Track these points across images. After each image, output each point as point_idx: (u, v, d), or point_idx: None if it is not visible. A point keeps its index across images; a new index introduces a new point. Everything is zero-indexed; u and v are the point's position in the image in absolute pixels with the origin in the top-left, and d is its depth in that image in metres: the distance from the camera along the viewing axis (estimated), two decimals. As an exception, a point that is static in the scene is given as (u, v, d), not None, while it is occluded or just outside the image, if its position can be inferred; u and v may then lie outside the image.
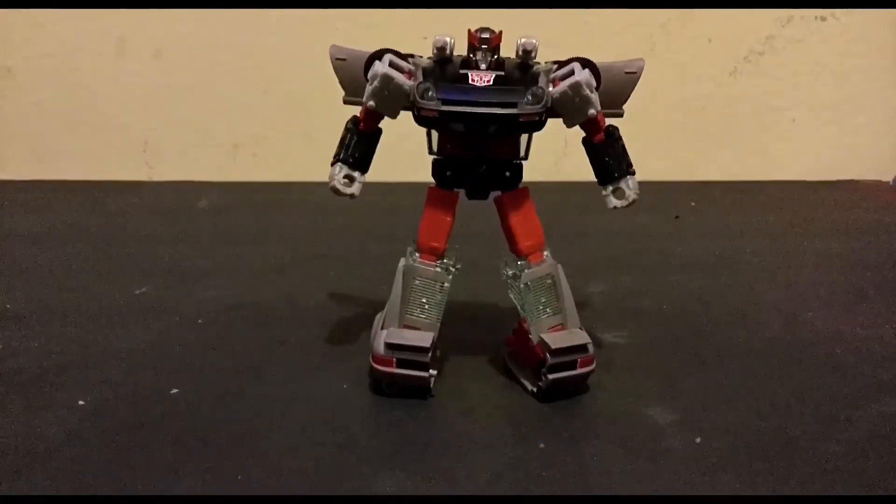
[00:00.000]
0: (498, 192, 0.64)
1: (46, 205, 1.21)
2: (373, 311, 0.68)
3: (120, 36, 1.32)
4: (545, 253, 0.65)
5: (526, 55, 0.60)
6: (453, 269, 0.63)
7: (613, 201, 0.64)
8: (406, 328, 0.62)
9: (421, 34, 1.32)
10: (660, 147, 1.40)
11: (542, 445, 0.57)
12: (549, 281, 0.63)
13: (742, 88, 1.37)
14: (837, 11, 1.33)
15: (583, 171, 1.37)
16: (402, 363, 0.61)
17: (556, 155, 1.38)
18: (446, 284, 0.63)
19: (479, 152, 0.63)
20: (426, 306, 0.63)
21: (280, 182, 1.35)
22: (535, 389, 0.63)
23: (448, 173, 0.63)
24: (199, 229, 1.10)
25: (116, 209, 1.20)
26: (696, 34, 1.35)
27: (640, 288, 0.88)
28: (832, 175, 1.40)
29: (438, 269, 0.63)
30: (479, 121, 0.58)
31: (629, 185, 0.63)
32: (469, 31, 0.62)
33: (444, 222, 0.63)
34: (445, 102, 0.58)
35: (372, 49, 0.63)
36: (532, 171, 1.39)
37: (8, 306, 0.81)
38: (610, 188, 0.64)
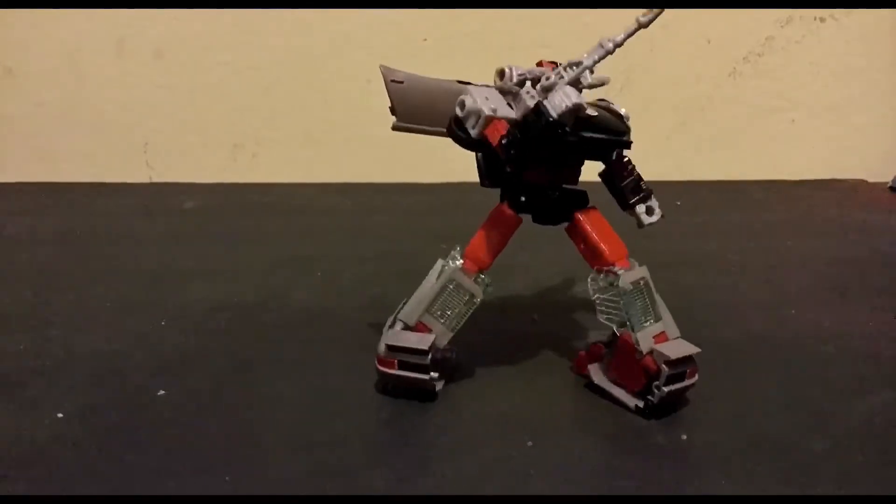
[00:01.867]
0: (564, 223, 0.65)
1: (42, 207, 1.21)
2: (360, 311, 0.68)
3: (120, 36, 1.32)
4: (631, 259, 0.64)
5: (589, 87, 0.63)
6: (488, 289, 0.64)
7: (647, 218, 0.65)
8: (417, 327, 0.63)
9: (421, 35, 1.33)
10: (659, 148, 1.40)
11: (529, 443, 0.57)
12: (643, 284, 0.62)
13: (741, 89, 1.37)
14: (837, 12, 1.33)
15: (581, 171, 1.36)
16: (402, 365, 0.62)
17: (555, 155, 1.38)
18: (477, 299, 0.63)
19: (556, 180, 0.64)
20: (448, 312, 0.63)
21: (279, 183, 1.35)
22: (640, 405, 0.61)
23: (522, 199, 0.64)
24: (194, 230, 1.10)
25: (113, 210, 1.20)
26: (696, 35, 1.34)
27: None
28: (831, 175, 1.40)
29: (476, 283, 0.63)
30: (609, 147, 0.63)
31: (654, 202, 0.65)
32: (543, 62, 0.63)
33: (500, 242, 0.64)
34: (577, 130, 0.59)
35: (421, 72, 0.63)
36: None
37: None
38: (643, 206, 0.65)
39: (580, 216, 0.64)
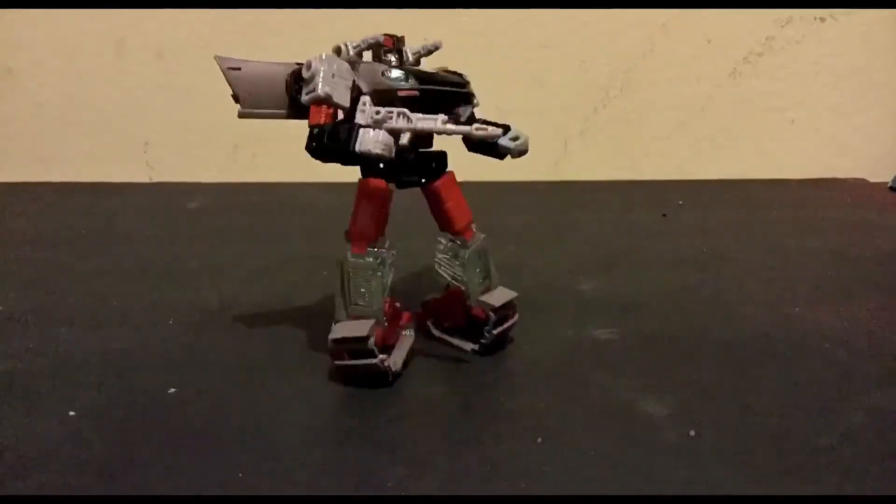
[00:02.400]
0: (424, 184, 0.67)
1: (45, 207, 1.21)
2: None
3: (120, 36, 1.32)
4: (474, 227, 0.69)
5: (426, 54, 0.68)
6: (386, 256, 0.65)
7: (515, 144, 0.63)
8: (352, 319, 0.64)
9: (421, 35, 1.33)
10: (659, 148, 1.40)
11: (539, 440, 0.57)
12: (482, 252, 0.69)
13: (741, 89, 1.38)
14: (837, 12, 1.33)
15: (581, 171, 1.37)
16: (353, 354, 0.63)
17: (555, 155, 1.38)
18: (379, 273, 0.64)
19: (412, 143, 0.64)
20: (366, 295, 0.64)
21: (280, 182, 1.35)
22: (475, 348, 0.70)
23: (381, 166, 0.64)
24: (196, 230, 1.10)
25: (114, 210, 1.20)
26: (696, 35, 1.35)
27: (630, 285, 0.89)
28: (831, 175, 1.40)
29: (370, 259, 0.64)
30: (453, 99, 0.66)
31: (514, 130, 0.64)
32: (387, 35, 0.66)
33: (377, 212, 0.64)
34: (423, 83, 0.63)
35: (262, 58, 0.64)
36: (531, 170, 1.40)
37: (1, 308, 0.81)
38: (506, 139, 0.63)
39: (438, 184, 0.67)
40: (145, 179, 1.39)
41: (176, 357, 0.70)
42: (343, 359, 0.64)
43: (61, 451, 0.55)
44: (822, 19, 1.34)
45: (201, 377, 0.67)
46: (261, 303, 0.82)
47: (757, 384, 0.65)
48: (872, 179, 1.39)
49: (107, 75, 1.34)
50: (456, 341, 0.72)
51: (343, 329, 0.63)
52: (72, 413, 0.60)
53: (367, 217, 0.64)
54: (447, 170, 0.68)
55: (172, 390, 0.64)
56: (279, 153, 1.38)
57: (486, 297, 0.68)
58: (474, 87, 0.67)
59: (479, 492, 0.51)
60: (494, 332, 0.68)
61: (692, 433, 0.57)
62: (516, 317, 0.71)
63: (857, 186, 1.35)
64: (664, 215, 1.16)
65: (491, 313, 0.68)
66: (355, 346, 0.62)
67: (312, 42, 1.31)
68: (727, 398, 0.63)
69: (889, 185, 1.36)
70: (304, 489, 0.52)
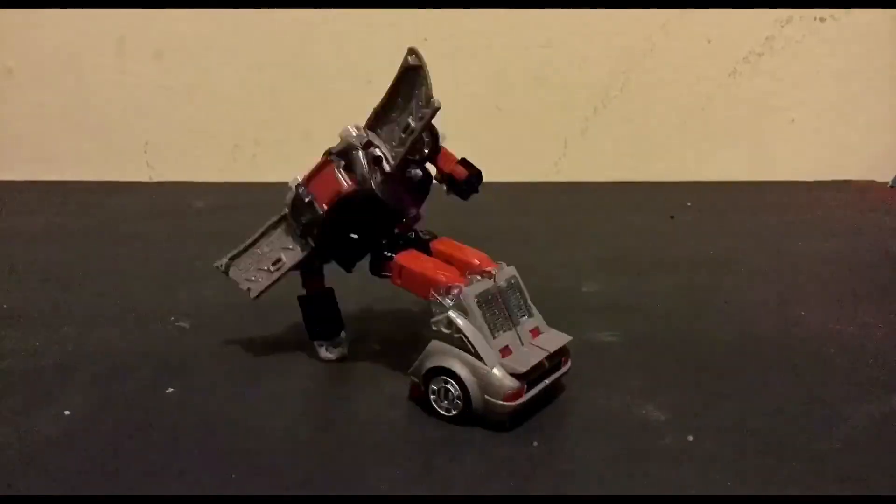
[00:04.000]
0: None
1: (46, 205, 1.21)
2: (367, 311, 0.68)
3: (120, 36, 1.32)
4: (500, 262, 0.65)
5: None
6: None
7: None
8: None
9: (421, 35, 1.33)
10: (659, 148, 1.40)
11: (535, 444, 0.57)
12: (514, 280, 0.64)
13: (741, 89, 1.38)
14: (837, 12, 1.33)
15: (582, 171, 1.36)
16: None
17: (555, 155, 1.38)
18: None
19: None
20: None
21: (279, 182, 1.35)
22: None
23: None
24: (197, 230, 1.10)
25: (115, 209, 1.20)
26: (696, 35, 1.35)
27: (633, 288, 0.88)
28: (831, 175, 1.40)
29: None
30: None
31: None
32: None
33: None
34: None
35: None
36: (532, 171, 1.40)
37: (4, 306, 0.81)
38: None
39: (436, 244, 0.66)
40: (145, 179, 1.39)
41: (175, 357, 0.70)
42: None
43: (58, 451, 0.55)
44: (822, 19, 1.34)
45: (199, 377, 0.66)
46: (260, 303, 0.82)
47: (758, 389, 0.65)
48: (871, 179, 1.39)
49: (107, 75, 1.34)
50: None
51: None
52: (67, 412, 0.60)
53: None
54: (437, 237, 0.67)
55: (170, 390, 0.64)
56: (279, 153, 1.39)
57: (538, 342, 0.62)
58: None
59: (475, 493, 0.51)
60: (547, 380, 0.61)
61: (690, 438, 0.57)
62: (569, 364, 0.64)
63: (865, 188, 1.35)
64: (672, 217, 1.16)
65: (545, 361, 0.60)
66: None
67: (312, 42, 1.32)
68: (728, 403, 0.62)
69: (889, 185, 1.36)
70: (300, 490, 0.52)
